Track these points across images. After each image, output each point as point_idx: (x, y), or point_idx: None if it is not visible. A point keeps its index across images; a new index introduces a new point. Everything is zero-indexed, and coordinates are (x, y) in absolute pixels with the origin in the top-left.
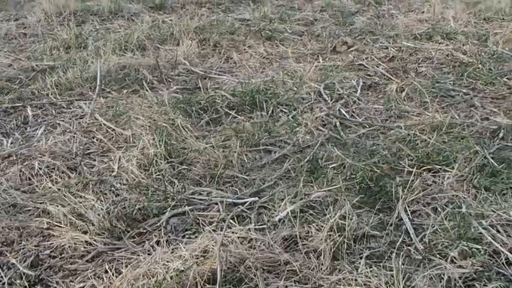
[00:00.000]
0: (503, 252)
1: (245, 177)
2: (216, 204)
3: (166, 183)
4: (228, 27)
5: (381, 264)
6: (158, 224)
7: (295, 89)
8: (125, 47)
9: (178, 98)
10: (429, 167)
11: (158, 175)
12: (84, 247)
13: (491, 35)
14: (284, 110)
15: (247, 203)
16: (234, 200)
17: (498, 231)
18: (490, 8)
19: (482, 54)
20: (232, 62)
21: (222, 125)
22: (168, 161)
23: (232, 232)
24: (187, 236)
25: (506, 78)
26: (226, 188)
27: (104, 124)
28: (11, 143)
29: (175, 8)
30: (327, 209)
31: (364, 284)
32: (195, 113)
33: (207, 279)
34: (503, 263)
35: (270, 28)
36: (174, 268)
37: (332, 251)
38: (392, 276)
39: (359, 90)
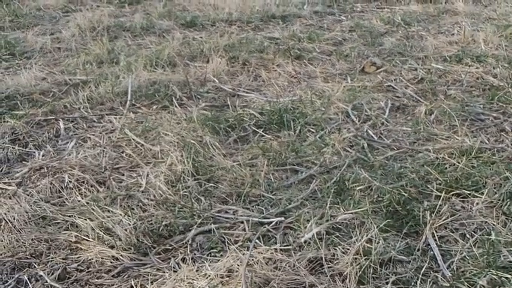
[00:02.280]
0: None
1: (271, 196)
2: (242, 223)
3: (193, 200)
4: (257, 46)
5: None
6: (184, 241)
7: (323, 109)
8: (156, 63)
9: (206, 115)
10: (458, 191)
11: (185, 192)
12: (111, 262)
13: None
14: (311, 130)
15: (273, 223)
16: (260, 220)
17: None
18: None
19: None
20: (260, 80)
21: (250, 143)
22: (195, 178)
23: (258, 252)
24: (212, 254)
25: None
26: (253, 207)
27: (133, 139)
28: (43, 156)
29: (205, 26)
30: (353, 232)
31: None
32: (223, 130)
33: None
34: None
35: (299, 47)
36: (199, 287)
37: (358, 275)
38: None
39: (387, 112)
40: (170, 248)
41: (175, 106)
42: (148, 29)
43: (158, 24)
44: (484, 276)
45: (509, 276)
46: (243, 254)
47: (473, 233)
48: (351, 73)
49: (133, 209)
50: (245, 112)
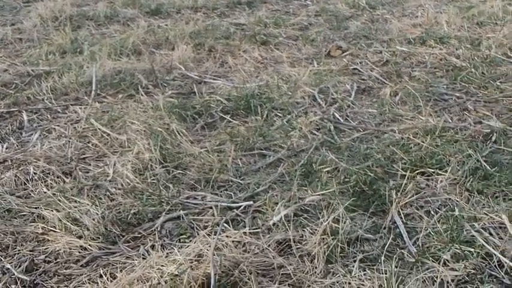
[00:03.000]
0: (495, 254)
1: (240, 181)
2: (211, 208)
3: (161, 188)
4: (223, 32)
5: (375, 267)
6: (153, 229)
7: (290, 93)
8: (121, 52)
9: (173, 103)
10: (422, 170)
11: (153, 180)
12: (79, 252)
13: (484, 40)
14: (279, 114)
15: (242, 207)
16: (228, 204)
17: (490, 233)
18: (482, 13)
19: (475, 58)
20: (227, 67)
21: (217, 129)
22: (163, 166)
23: (227, 236)
24: (181, 241)
25: (499, 82)
26: (221, 192)
27: (99, 129)
28: (6, 148)
29: (170, 13)
30: (320, 213)
31: (358, 287)
32: (190, 117)
33: (201, 283)
34: (495, 266)
35: (265, 33)
36: (168, 272)
37: (326, 254)
38: (386, 279)
39: (353, 95)
40: (139, 235)
41: (141, 94)
42: (112, 18)
43: (122, 12)
44: (448, 251)
45: (471, 249)
46: (212, 239)
47: (437, 209)
48: (317, 57)
49: (100, 198)
50: (212, 98)
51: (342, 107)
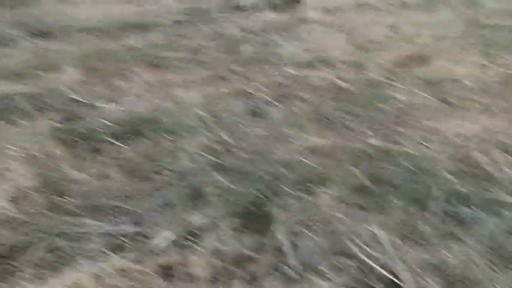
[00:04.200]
0: (371, 265)
1: (124, 206)
2: (93, 235)
3: (39, 216)
4: (115, 55)
5: (260, 285)
6: (29, 259)
7: (181, 116)
8: (2, 75)
9: (58, 128)
10: (308, 189)
11: (30, 208)
12: None
13: (367, 63)
14: (169, 138)
15: (127, 233)
16: (111, 231)
17: (369, 246)
18: (368, 39)
19: (362, 81)
20: (117, 90)
21: (104, 154)
22: (42, 193)
23: (109, 264)
24: (60, 270)
25: (381, 104)
26: (104, 218)
27: None
28: None
29: (60, 35)
30: (207, 235)
31: None
32: (75, 142)
33: None
34: (375, 278)
35: (158, 55)
36: None
37: (210, 275)
38: None
39: (243, 117)
40: (13, 268)
41: (23, 119)
42: None
43: (7, 33)
44: (328, 264)
45: (350, 261)
46: (92, 267)
47: (320, 225)
48: (209, 80)
49: None
50: (100, 123)
51: (233, 129)
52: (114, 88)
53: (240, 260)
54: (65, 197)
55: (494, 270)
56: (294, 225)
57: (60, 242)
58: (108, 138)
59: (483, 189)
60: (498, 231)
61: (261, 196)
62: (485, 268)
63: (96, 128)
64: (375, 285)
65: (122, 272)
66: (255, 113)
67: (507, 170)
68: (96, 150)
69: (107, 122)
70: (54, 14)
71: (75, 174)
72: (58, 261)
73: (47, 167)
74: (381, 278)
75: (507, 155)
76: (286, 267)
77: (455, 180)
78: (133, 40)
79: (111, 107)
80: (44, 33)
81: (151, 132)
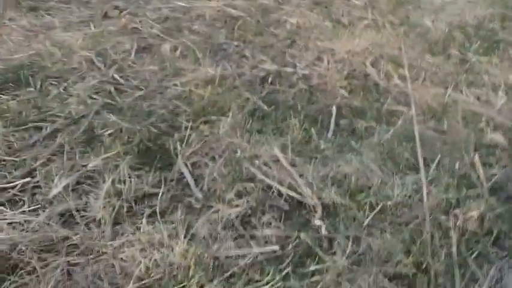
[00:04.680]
0: (274, 186)
1: (14, 159)
2: None
3: None
4: None
5: (164, 219)
6: None
7: (65, 59)
8: None
9: None
10: (205, 119)
11: None
12: None
13: None
14: (54, 83)
15: (19, 186)
16: (3, 185)
17: (270, 168)
18: None
19: (251, 8)
20: None
21: None
22: None
23: (3, 218)
24: None
25: (273, 28)
26: None
27: None
28: None
29: None
30: (105, 177)
31: (148, 242)
32: None
33: None
34: (275, 196)
35: None
36: None
37: (112, 216)
38: (174, 229)
39: (133, 54)
40: None
41: None
42: None
43: None
44: (232, 190)
45: (252, 185)
46: None
47: (221, 154)
48: (93, 19)
49: None
50: None
51: (122, 67)
52: None
53: (142, 197)
54: None
55: (389, 175)
56: (194, 157)
57: None
58: None
59: (375, 101)
60: (391, 138)
61: (158, 132)
62: (381, 175)
63: None
64: (278, 205)
65: (17, 225)
66: (145, 49)
67: (397, 81)
68: None
69: None
70: None
71: None
72: None
73: None
74: (284, 197)
75: (396, 66)
76: (190, 199)
77: (348, 95)
78: None
79: None
80: None
81: (34, 79)
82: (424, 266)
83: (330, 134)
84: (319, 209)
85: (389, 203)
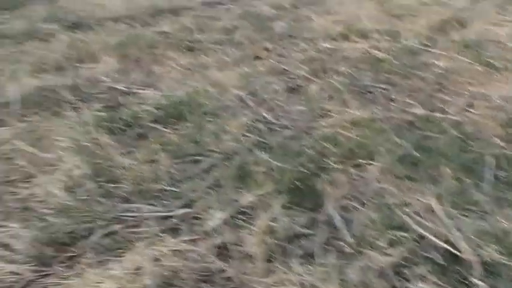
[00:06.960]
0: (428, 237)
1: (174, 189)
2: (147, 219)
3: (94, 203)
4: (148, 41)
5: (314, 261)
6: (88, 246)
7: (219, 97)
8: (43, 69)
9: (101, 116)
10: (354, 162)
11: (85, 196)
12: (12, 277)
13: (402, 31)
14: (209, 119)
15: (179, 216)
16: (164, 214)
17: (422, 217)
18: (400, 6)
19: (397, 50)
20: (154, 76)
21: (148, 139)
22: (94, 181)
23: (165, 246)
24: (118, 255)
25: (420, 72)
26: (156, 202)
27: (25, 149)
28: None
29: (92, 26)
30: (257, 213)
31: (300, 283)
32: (119, 130)
33: None
34: (429, 248)
35: (190, 39)
36: None
37: (265, 254)
38: (326, 272)
39: (282, 94)
40: (74, 255)
41: (67, 111)
42: (31, 34)
43: (42, 28)
44: (383, 238)
45: (405, 234)
46: (150, 250)
47: (370, 199)
48: (244, 60)
49: (31, 220)
50: (141, 109)
51: (272, 107)
52: (151, 74)
53: (293, 237)
54: (117, 184)
55: None
56: (343, 200)
57: (117, 227)
58: (150, 124)
59: None
60: None
61: (307, 172)
62: None
63: (139, 114)
64: (432, 257)
65: (179, 254)
66: (293, 89)
67: None
68: (141, 136)
69: (147, 108)
70: (84, 5)
71: (124, 161)
72: (116, 245)
73: (97, 155)
74: (438, 249)
75: None
76: (341, 243)
77: (504, 145)
78: (164, 25)
79: (150, 92)
80: (77, 25)
81: (192, 115)
82: None
83: (487, 186)
84: (477, 267)
85: None
